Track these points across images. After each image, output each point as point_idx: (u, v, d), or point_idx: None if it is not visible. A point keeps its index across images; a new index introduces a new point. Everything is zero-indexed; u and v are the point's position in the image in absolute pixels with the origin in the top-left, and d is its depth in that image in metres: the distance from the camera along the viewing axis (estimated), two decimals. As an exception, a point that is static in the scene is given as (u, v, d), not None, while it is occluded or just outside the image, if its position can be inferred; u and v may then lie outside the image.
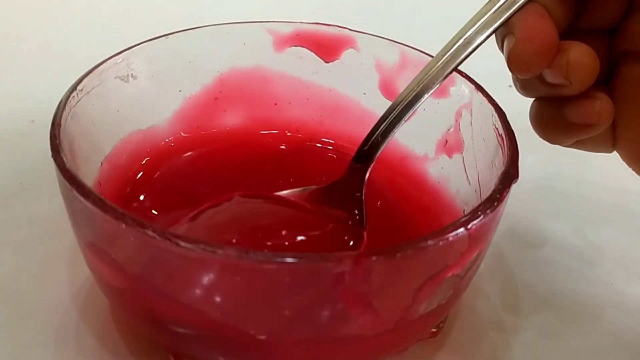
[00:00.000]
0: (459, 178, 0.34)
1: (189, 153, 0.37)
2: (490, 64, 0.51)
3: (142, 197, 0.35)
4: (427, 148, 0.36)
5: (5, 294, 0.33)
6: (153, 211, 0.34)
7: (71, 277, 0.34)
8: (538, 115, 0.32)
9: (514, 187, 0.29)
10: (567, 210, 0.41)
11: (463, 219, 0.26)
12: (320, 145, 0.39)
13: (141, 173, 0.36)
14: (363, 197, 0.32)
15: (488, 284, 0.35)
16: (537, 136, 0.45)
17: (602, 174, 0.44)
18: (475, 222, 0.26)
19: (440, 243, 0.25)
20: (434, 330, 0.32)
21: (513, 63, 0.29)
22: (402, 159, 0.37)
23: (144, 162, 0.36)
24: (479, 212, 0.26)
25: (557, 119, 0.31)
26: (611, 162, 0.44)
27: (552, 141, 0.32)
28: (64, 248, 0.35)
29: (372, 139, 0.32)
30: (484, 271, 0.35)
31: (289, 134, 0.39)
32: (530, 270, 0.37)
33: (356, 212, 0.32)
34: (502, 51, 0.30)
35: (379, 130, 0.32)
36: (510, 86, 0.50)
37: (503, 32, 0.30)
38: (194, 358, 0.30)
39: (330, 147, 0.38)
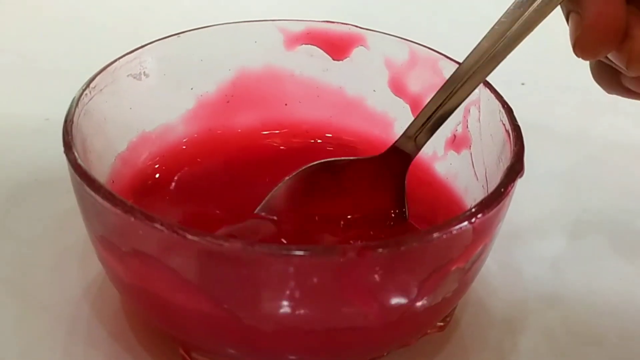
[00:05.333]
0: (467, 174, 0.34)
1: (201, 152, 0.38)
2: (503, 62, 0.52)
3: (153, 195, 0.35)
4: (435, 146, 0.36)
5: (19, 288, 0.34)
6: (164, 209, 0.35)
7: (83, 271, 0.35)
8: (597, 72, 0.31)
9: (523, 183, 0.29)
10: (576, 207, 0.41)
11: (467, 213, 0.26)
12: (321, 141, 0.39)
13: (154, 172, 0.36)
14: (404, 185, 0.33)
15: (496, 279, 0.36)
16: (546, 134, 0.46)
17: (615, 170, 0.44)
18: (479, 215, 0.26)
19: (445, 236, 0.26)
20: (440, 324, 0.32)
21: (579, 49, 0.28)
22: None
23: (156, 160, 0.36)
24: (484, 206, 0.27)
25: (615, 81, 0.30)
26: (623, 157, 0.45)
27: (610, 93, 0.31)
28: (76, 243, 0.36)
29: (420, 129, 0.32)
30: (492, 266, 0.35)
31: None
32: (539, 266, 0.37)
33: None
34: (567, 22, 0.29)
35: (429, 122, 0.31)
36: (522, 84, 0.50)
37: (568, 6, 0.29)
38: (203, 350, 0.30)
39: (334, 147, 0.39)
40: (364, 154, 0.38)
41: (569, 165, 0.44)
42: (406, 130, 0.32)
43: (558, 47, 0.55)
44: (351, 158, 0.34)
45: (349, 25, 0.37)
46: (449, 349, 0.33)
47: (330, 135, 0.39)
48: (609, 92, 0.31)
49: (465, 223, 0.26)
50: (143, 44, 0.35)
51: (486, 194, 0.28)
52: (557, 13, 0.62)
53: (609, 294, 0.36)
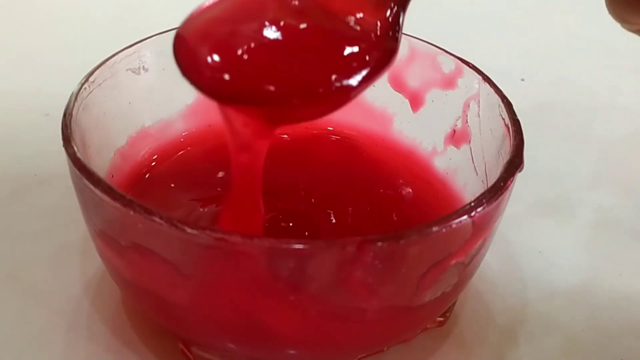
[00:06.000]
0: (466, 169, 0.34)
1: (200, 146, 0.38)
2: (503, 58, 0.52)
3: (152, 190, 0.35)
4: (435, 141, 0.36)
5: (19, 283, 0.34)
6: (163, 204, 0.35)
7: (83, 266, 0.35)
8: None
9: (523, 177, 0.29)
10: (576, 202, 0.41)
11: (467, 207, 0.26)
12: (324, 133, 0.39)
13: (153, 166, 0.36)
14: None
15: (496, 274, 0.36)
16: (546, 129, 0.46)
17: (614, 164, 0.44)
18: (479, 209, 0.26)
19: (444, 230, 0.26)
20: (440, 319, 0.32)
21: None
22: (409, 153, 0.37)
23: (156, 155, 0.36)
24: (483, 200, 0.27)
25: None
26: (623, 152, 0.45)
27: (622, 19, 0.30)
28: (76, 238, 0.36)
29: None
30: (491, 261, 0.35)
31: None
32: (538, 260, 0.37)
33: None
34: None
35: None
36: (522, 80, 0.50)
37: None
38: (202, 345, 0.30)
39: (337, 137, 0.39)
40: (365, 148, 0.38)
41: (568, 160, 0.44)
42: None
43: (558, 43, 0.56)
44: None
45: (349, 20, 0.37)
46: (449, 344, 0.33)
47: (331, 128, 0.39)
48: (622, 19, 0.30)
49: (465, 217, 0.26)
50: (142, 38, 0.35)
51: (485, 189, 0.28)
52: (556, 10, 0.62)
53: (608, 289, 0.36)
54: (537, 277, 0.36)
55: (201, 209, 0.34)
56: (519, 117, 0.31)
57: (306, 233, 0.34)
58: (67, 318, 0.33)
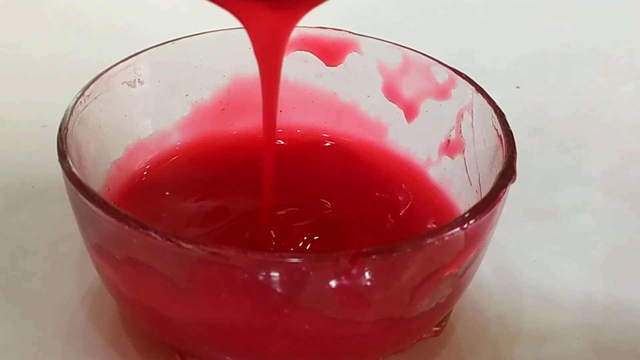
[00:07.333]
0: (460, 179, 0.34)
1: (197, 157, 0.38)
2: (498, 65, 0.52)
3: (149, 201, 0.35)
4: (429, 151, 0.36)
5: (16, 295, 0.34)
6: (160, 215, 0.35)
7: (80, 278, 0.35)
8: None
9: (518, 185, 0.29)
10: (571, 210, 0.41)
11: (459, 219, 0.26)
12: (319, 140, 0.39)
13: (150, 178, 0.36)
14: None
15: (491, 283, 0.36)
16: (543, 135, 0.46)
17: (609, 173, 0.44)
18: (471, 221, 0.26)
19: (437, 242, 0.26)
20: (436, 329, 0.33)
21: None
22: (404, 163, 0.37)
23: (152, 166, 0.37)
24: (475, 212, 0.27)
25: None
26: (618, 161, 0.45)
27: None
28: (73, 250, 0.36)
29: None
30: (487, 270, 0.36)
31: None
32: (534, 269, 0.37)
33: None
34: None
35: None
36: (517, 87, 0.50)
37: None
38: (199, 357, 0.30)
39: (332, 143, 0.39)
40: (361, 157, 0.38)
41: (564, 168, 0.44)
42: None
43: (553, 50, 0.56)
44: None
45: (343, 31, 0.37)
46: (445, 354, 0.33)
47: (327, 135, 0.39)
48: None
49: (457, 229, 0.26)
50: (137, 51, 0.35)
51: (479, 199, 0.29)
52: (551, 17, 0.62)
53: (604, 297, 0.36)
54: (532, 286, 0.36)
55: (200, 216, 0.34)
56: (514, 125, 0.31)
57: (302, 239, 0.34)
58: (64, 329, 0.33)
